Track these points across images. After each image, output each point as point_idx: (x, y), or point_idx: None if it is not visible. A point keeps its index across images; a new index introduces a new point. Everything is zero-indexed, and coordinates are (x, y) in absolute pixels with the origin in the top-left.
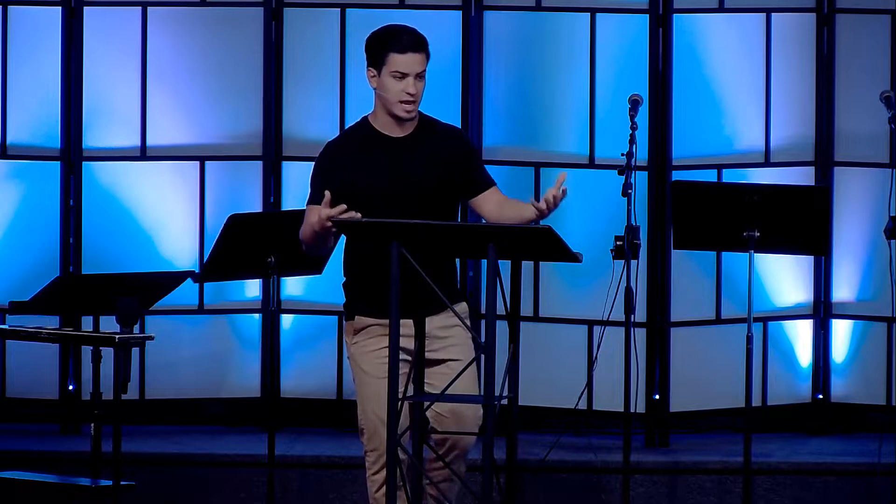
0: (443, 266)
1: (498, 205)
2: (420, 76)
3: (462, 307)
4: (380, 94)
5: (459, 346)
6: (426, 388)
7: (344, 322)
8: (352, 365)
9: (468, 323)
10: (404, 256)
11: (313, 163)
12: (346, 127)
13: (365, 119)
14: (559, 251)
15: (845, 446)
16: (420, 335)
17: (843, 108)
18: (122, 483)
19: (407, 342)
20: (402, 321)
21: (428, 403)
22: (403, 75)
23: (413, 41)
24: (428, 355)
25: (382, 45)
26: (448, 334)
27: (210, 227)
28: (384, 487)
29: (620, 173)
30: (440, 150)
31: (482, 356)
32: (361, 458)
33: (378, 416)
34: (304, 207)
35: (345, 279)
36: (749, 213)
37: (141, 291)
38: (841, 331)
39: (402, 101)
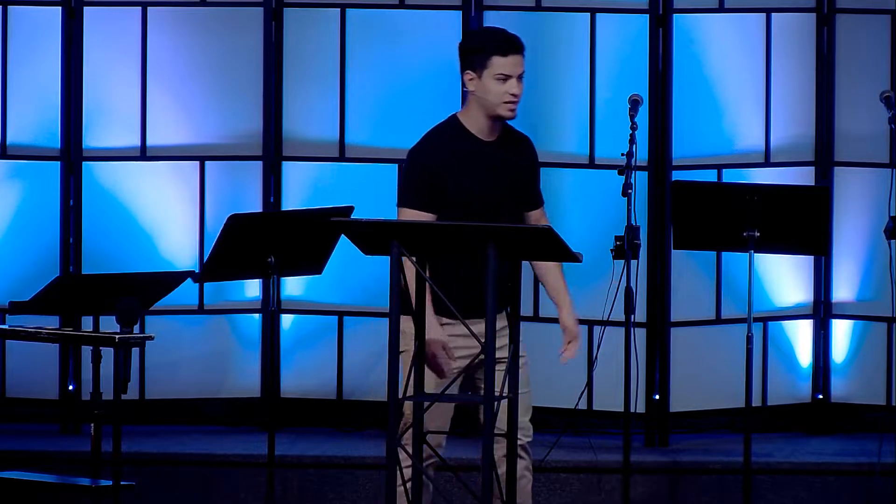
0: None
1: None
2: (520, 77)
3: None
4: (478, 96)
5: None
6: (480, 388)
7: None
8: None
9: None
10: (487, 258)
11: (404, 164)
12: (436, 124)
13: (456, 119)
14: (559, 251)
15: (845, 446)
16: (420, 335)
17: (843, 108)
18: (122, 483)
19: (466, 341)
20: (455, 321)
21: (428, 404)
22: (507, 77)
23: (514, 43)
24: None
25: (483, 48)
26: (500, 335)
27: (210, 227)
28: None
29: (620, 173)
30: (519, 156)
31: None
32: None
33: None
34: (399, 209)
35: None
36: (749, 213)
37: (141, 291)
38: (841, 331)
39: (506, 102)
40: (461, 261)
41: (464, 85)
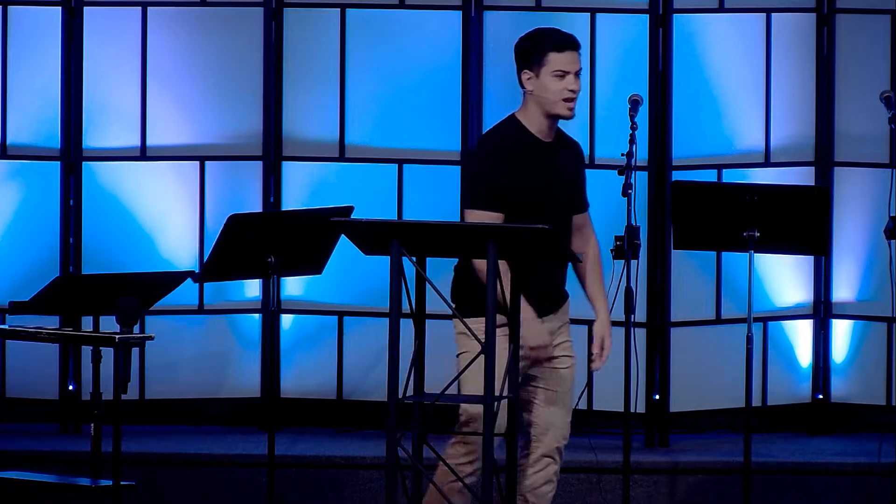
0: (555, 267)
1: (579, 231)
2: (577, 74)
3: (567, 305)
4: (537, 95)
5: (569, 344)
6: (538, 386)
7: (457, 319)
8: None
9: (567, 319)
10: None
11: (470, 163)
12: (496, 125)
13: (515, 119)
14: (559, 251)
15: (845, 446)
16: (420, 336)
17: (843, 108)
18: (122, 483)
19: (553, 338)
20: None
21: (429, 404)
22: (564, 74)
23: (570, 40)
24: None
25: (539, 46)
26: (559, 332)
27: (210, 227)
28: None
29: (620, 173)
30: (573, 158)
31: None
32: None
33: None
34: (467, 210)
35: (467, 277)
36: (749, 213)
37: (141, 291)
38: (841, 331)
39: (564, 100)
40: (545, 259)
41: (521, 85)
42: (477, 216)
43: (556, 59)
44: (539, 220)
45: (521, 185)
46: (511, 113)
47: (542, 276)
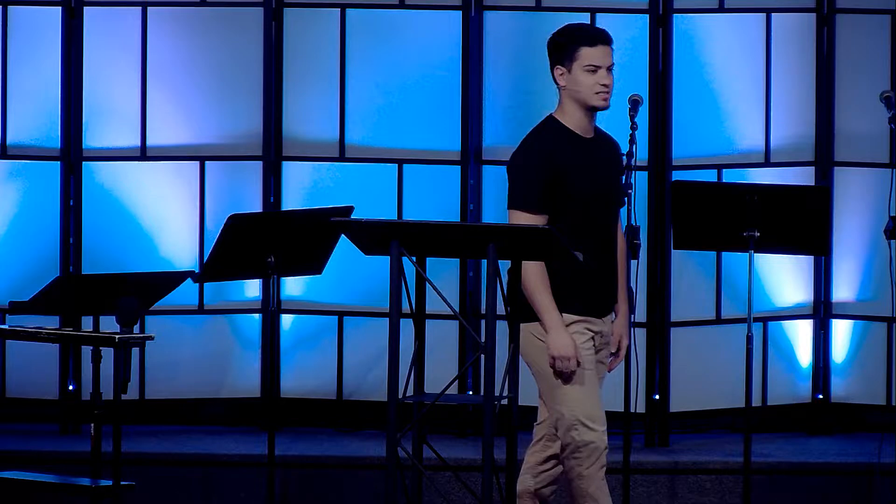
0: (615, 266)
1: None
2: (610, 69)
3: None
4: (571, 90)
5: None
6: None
7: (528, 331)
8: (541, 359)
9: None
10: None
11: (511, 165)
12: (536, 126)
13: (554, 120)
14: (559, 251)
15: (845, 446)
16: (420, 336)
17: (843, 108)
18: (122, 483)
19: (601, 339)
20: (593, 319)
21: (427, 404)
22: (596, 68)
23: (602, 34)
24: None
25: (571, 40)
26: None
27: (210, 227)
28: (603, 482)
29: (620, 173)
30: (612, 154)
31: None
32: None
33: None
34: (511, 211)
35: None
36: (749, 213)
37: (141, 291)
38: (841, 331)
39: (597, 93)
40: (594, 255)
41: (555, 81)
42: (519, 218)
43: (587, 54)
44: (590, 216)
45: (574, 181)
46: (549, 114)
47: (592, 276)
